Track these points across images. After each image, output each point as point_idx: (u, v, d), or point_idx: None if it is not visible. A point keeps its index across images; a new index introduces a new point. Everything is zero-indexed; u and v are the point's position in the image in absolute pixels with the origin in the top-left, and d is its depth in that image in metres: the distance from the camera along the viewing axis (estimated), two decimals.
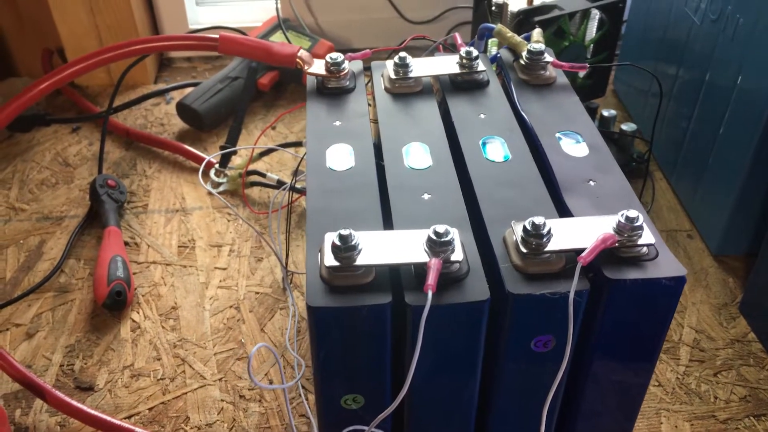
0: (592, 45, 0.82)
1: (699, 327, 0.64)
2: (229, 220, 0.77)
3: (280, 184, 0.79)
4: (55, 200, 0.80)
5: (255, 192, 0.81)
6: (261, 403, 0.58)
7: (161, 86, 1.00)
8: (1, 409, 0.52)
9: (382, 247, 0.38)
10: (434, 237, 0.37)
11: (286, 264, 0.68)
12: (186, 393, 0.59)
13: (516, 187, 0.44)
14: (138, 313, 0.66)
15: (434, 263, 0.36)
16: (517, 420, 0.43)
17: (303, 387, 0.58)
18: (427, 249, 0.37)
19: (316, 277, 0.38)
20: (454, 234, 0.37)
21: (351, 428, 0.39)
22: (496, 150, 0.47)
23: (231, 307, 0.67)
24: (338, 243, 0.37)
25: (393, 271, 0.38)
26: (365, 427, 0.39)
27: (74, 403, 0.55)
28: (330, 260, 0.37)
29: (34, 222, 0.76)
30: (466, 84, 0.54)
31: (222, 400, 0.58)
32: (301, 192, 0.74)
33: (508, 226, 0.40)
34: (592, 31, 0.81)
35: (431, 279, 0.35)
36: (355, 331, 0.37)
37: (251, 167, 0.82)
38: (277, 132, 0.92)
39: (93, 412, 0.55)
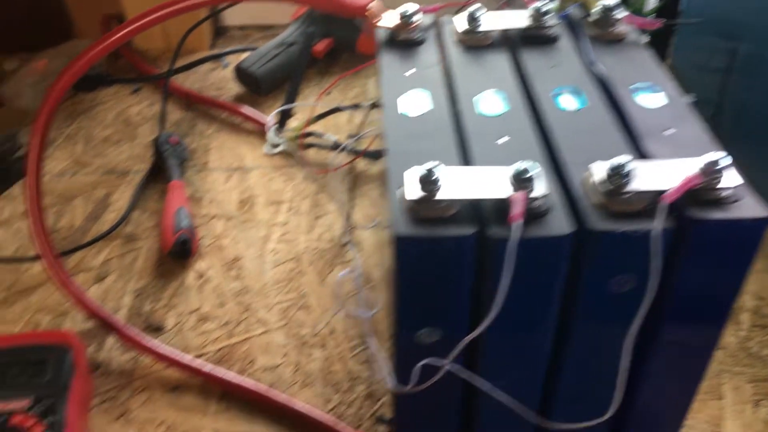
0: (651, 16, 0.81)
1: (760, 294, 0.64)
2: (287, 180, 0.79)
3: (336, 145, 0.80)
4: (118, 156, 0.82)
5: (311, 153, 0.82)
6: (323, 350, 0.59)
7: (218, 51, 1.01)
8: (80, 343, 0.54)
9: (465, 182, 0.39)
10: (518, 172, 0.38)
11: (348, 220, 0.70)
12: (251, 337, 0.61)
13: (592, 135, 0.44)
14: (202, 262, 0.68)
15: (519, 196, 0.37)
16: (589, 365, 0.44)
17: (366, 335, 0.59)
18: (510, 183, 0.38)
19: (399, 210, 0.39)
20: (538, 170, 0.38)
21: (427, 360, 0.41)
22: (570, 100, 0.48)
23: (291, 260, 0.68)
24: (421, 176, 0.38)
25: (475, 206, 0.39)
26: (442, 360, 0.40)
27: (146, 340, 0.57)
28: (413, 193, 0.38)
29: (100, 175, 0.79)
30: (536, 38, 0.54)
31: (285, 345, 0.60)
32: (359, 153, 0.75)
33: (587, 169, 0.41)
34: (651, 0, 0.81)
35: (517, 210, 0.36)
36: (438, 262, 0.38)
37: (308, 129, 0.83)
38: (332, 97, 0.93)
39: (164, 349, 0.57)
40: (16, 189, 0.77)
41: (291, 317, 0.63)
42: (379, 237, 0.70)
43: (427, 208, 0.38)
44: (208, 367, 0.56)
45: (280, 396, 0.54)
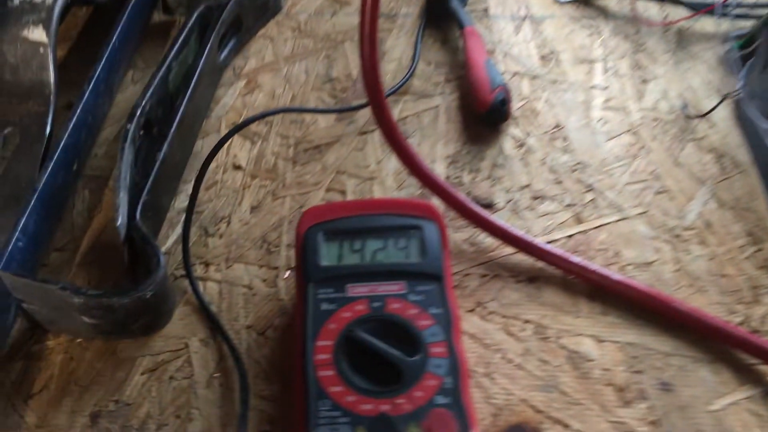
0: None
1: None
2: (591, 34, 0.64)
3: None
4: None
5: (611, 4, 0.67)
6: (704, 247, 0.47)
7: None
8: (443, 218, 0.43)
9: None
10: None
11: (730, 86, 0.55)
12: (606, 225, 0.49)
13: None
14: (516, 128, 0.56)
15: None
16: None
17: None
18: None
19: None
20: None
21: None
22: None
23: (627, 132, 0.55)
24: None
25: None
26: None
27: (493, 218, 0.46)
28: None
29: None
30: None
31: (654, 238, 0.48)
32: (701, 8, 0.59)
33: None
34: None
35: None
36: None
37: None
38: None
39: (514, 230, 0.46)
40: (273, 27, 0.65)
41: (649, 203, 0.50)
42: (736, 110, 0.55)
43: None
44: (574, 258, 0.45)
45: (676, 302, 0.43)
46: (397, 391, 0.35)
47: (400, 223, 0.41)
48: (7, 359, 0.42)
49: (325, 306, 0.38)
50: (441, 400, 0.35)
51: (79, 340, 0.43)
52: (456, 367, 0.36)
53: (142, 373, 0.41)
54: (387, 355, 0.36)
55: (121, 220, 0.42)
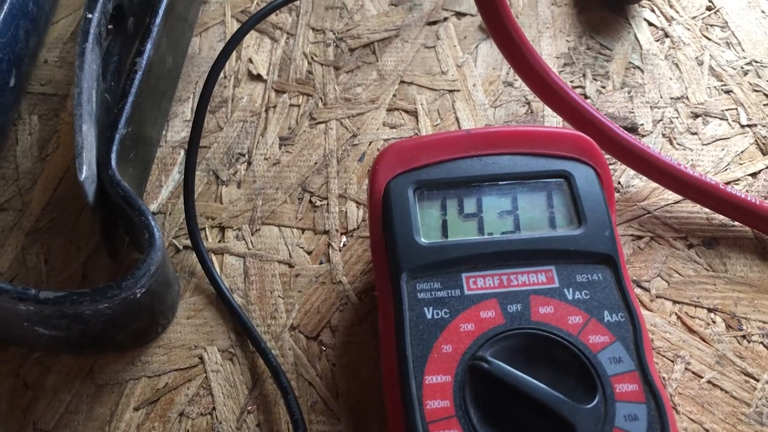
0: None
1: None
2: None
3: None
4: None
5: None
6: None
7: None
8: (602, 154, 0.28)
9: None
10: None
11: None
12: None
13: None
14: (654, 12, 0.39)
15: None
16: None
17: None
18: None
19: None
20: None
21: None
22: None
23: None
24: None
25: None
26: None
27: (651, 149, 0.31)
28: None
29: None
30: None
31: None
32: None
33: None
34: None
35: None
36: None
37: None
38: None
39: (683, 167, 0.31)
40: None
41: None
42: None
43: None
44: None
45: None
46: None
47: (539, 169, 0.26)
48: None
49: (431, 313, 0.23)
50: None
51: (37, 355, 0.28)
52: (664, 420, 0.22)
53: (136, 408, 0.27)
54: (548, 403, 0.22)
55: (86, 170, 0.26)
